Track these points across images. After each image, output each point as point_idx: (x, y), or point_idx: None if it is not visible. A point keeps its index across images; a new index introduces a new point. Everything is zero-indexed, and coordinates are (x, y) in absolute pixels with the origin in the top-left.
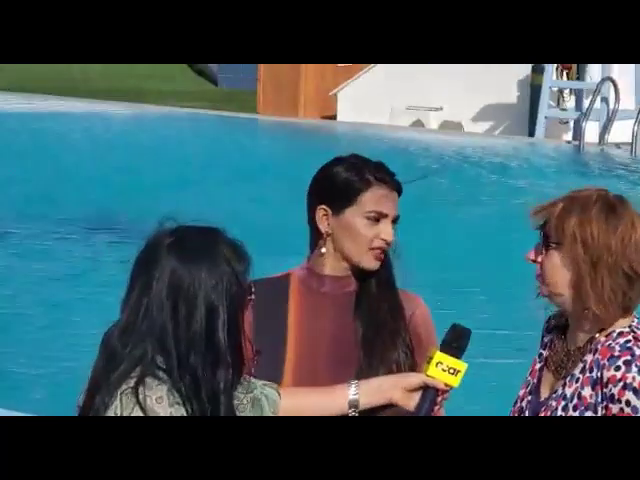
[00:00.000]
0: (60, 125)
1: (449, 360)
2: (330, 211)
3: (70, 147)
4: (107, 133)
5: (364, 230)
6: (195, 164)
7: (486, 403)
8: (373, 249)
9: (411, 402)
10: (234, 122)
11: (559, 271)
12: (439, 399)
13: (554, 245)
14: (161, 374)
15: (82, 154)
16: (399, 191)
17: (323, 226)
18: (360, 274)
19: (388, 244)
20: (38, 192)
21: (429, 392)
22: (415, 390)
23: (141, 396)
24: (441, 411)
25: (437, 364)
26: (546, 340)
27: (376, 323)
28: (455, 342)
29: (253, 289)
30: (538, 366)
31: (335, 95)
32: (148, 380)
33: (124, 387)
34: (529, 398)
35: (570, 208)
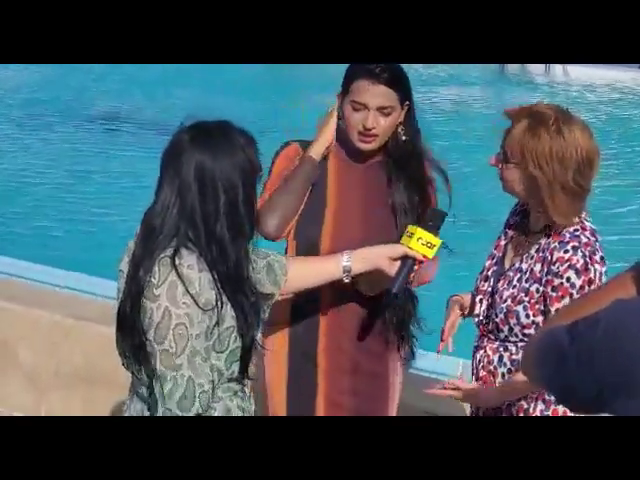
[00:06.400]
0: None
1: (428, 235)
2: (342, 97)
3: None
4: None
5: (350, 116)
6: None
7: None
8: (359, 133)
9: (393, 269)
10: None
11: (519, 184)
12: (416, 267)
13: (514, 164)
14: (190, 245)
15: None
16: (388, 83)
17: (339, 109)
18: (392, 149)
19: (368, 129)
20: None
21: (408, 262)
22: (397, 259)
23: (177, 263)
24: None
25: (418, 239)
26: (512, 222)
27: (403, 190)
28: (432, 221)
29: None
30: (503, 242)
31: None
32: (182, 250)
33: (162, 255)
34: (495, 268)
35: (533, 132)
